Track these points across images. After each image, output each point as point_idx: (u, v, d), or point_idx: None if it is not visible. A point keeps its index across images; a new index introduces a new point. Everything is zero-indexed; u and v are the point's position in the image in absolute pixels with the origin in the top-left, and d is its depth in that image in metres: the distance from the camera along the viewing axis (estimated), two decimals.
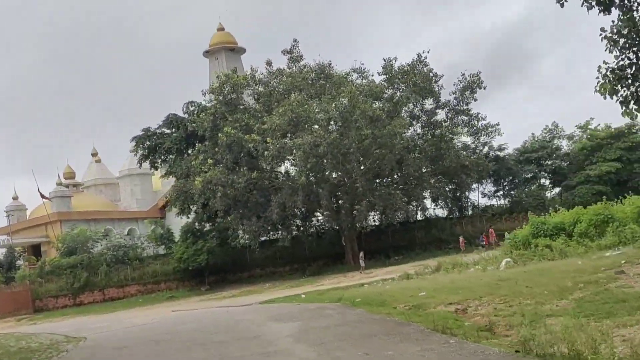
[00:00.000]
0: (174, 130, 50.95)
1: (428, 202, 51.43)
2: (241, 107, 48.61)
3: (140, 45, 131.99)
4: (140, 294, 48.96)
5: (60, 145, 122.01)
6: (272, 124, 43.35)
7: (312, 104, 44.21)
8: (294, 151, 42.18)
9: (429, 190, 48.29)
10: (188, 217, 50.43)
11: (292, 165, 48.03)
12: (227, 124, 45.41)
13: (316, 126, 44.39)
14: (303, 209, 47.33)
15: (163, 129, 51.75)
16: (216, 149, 45.19)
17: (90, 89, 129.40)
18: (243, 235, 47.48)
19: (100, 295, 49.35)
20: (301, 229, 49.88)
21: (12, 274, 51.85)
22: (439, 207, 54.10)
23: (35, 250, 64.51)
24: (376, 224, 49.85)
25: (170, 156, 51.18)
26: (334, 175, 44.84)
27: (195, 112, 50.67)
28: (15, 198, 71.26)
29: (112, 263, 50.24)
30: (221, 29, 77.67)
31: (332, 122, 44.27)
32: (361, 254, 42.03)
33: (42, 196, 60.59)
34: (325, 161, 43.02)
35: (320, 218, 51.12)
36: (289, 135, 43.80)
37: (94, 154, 79.44)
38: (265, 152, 44.42)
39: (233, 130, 44.30)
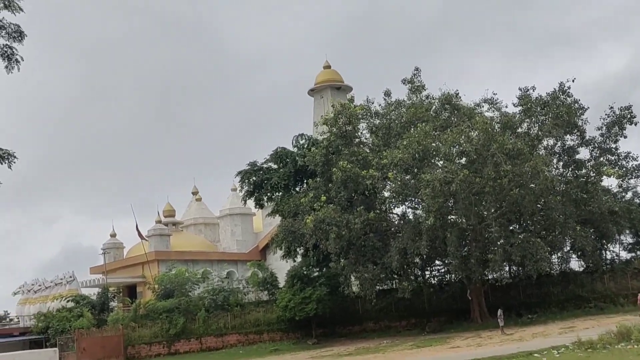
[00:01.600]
0: (281, 165, 46.63)
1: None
2: (357, 140, 43.83)
3: (243, 85, 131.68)
4: (241, 344, 44.23)
5: (162, 183, 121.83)
6: (393, 158, 38.23)
7: (442, 136, 38.86)
8: (420, 189, 36.81)
9: (572, 240, 41.61)
10: (294, 261, 45.72)
11: (412, 206, 42.76)
12: (342, 158, 40.65)
13: (441, 162, 39.01)
14: (424, 257, 41.67)
15: (270, 164, 47.53)
16: (330, 185, 40.41)
17: (193, 127, 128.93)
18: (356, 283, 42.27)
19: (197, 344, 44.93)
20: (420, 279, 44.17)
21: (104, 316, 48.30)
22: (576, 259, 47.12)
23: (131, 291, 61.29)
24: (506, 276, 43.50)
25: (277, 193, 46.79)
26: (462, 218, 38.98)
27: (306, 145, 46.30)
28: (113, 235, 68.68)
29: (211, 308, 45.89)
30: (327, 66, 73.94)
31: (463, 157, 38.75)
32: (500, 311, 35.81)
33: (140, 234, 57.32)
34: (455, 201, 37.44)
35: (441, 268, 45.33)
36: (413, 170, 38.51)
37: (195, 193, 76.62)
38: (385, 190, 39.34)
39: (349, 164, 39.45)
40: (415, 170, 38.17)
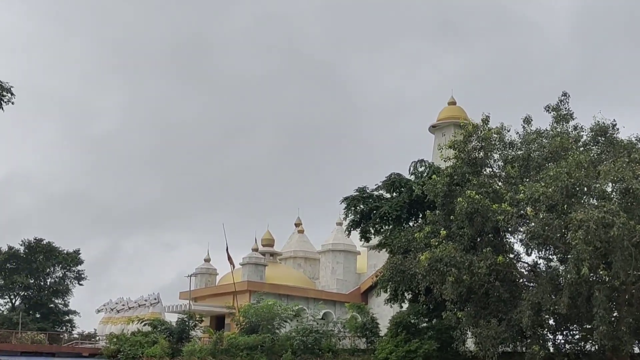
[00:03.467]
0: (395, 193, 40.32)
1: None
2: (488, 170, 36.96)
3: (367, 131, 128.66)
4: None
5: (264, 211, 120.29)
6: (533, 193, 31.11)
7: (598, 168, 31.43)
8: (568, 231, 29.44)
9: None
10: (400, 307, 38.96)
11: (546, 256, 35.30)
12: (469, 188, 33.86)
13: (596, 202, 31.52)
14: (560, 317, 33.99)
15: (381, 192, 41.28)
16: (451, 218, 33.63)
17: (301, 156, 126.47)
18: (473, 341, 35.11)
19: None
20: (552, 344, 36.27)
21: (181, 346, 43.03)
22: None
23: (219, 322, 56.24)
24: None
25: (387, 226, 40.37)
26: (618, 274, 31.06)
27: (426, 173, 39.86)
28: (207, 260, 64.24)
29: (299, 351, 39.67)
30: (452, 102, 67.66)
31: (624, 198, 31.10)
32: None
33: (229, 258, 51.99)
34: (610, 251, 29.75)
35: (576, 334, 37.29)
36: (559, 208, 31.16)
37: (298, 224, 71.41)
38: (520, 231, 32.25)
39: (477, 195, 32.63)
40: (563, 207, 30.78)
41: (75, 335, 65.89)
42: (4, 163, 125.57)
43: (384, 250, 40.73)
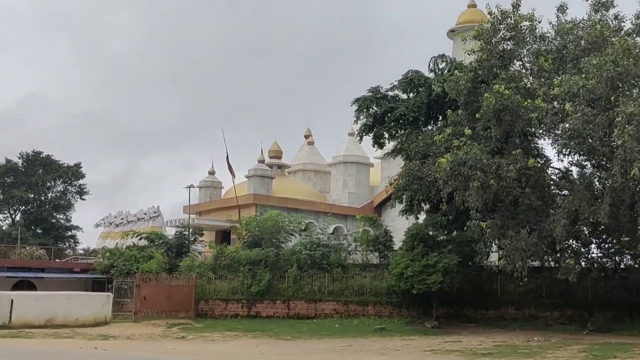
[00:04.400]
0: (412, 93, 36.14)
1: None
2: (518, 63, 32.66)
3: (371, 29, 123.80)
4: (338, 315, 34.59)
5: (271, 122, 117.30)
6: (572, 86, 26.96)
7: None
8: (615, 127, 25.40)
9: None
10: (417, 218, 35.39)
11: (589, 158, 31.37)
12: (497, 83, 29.63)
13: None
14: (596, 228, 30.36)
15: (397, 92, 37.08)
16: (476, 116, 29.55)
17: (316, 73, 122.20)
18: (498, 254, 31.75)
19: (284, 308, 35.74)
20: (587, 257, 32.68)
21: (179, 262, 39.92)
22: None
23: (225, 238, 53.12)
24: None
25: (402, 130, 36.38)
26: None
27: (447, 69, 35.57)
28: (211, 173, 60.69)
29: (306, 266, 36.48)
30: (472, 5, 62.11)
31: None
32: None
33: (230, 167, 48.09)
34: None
35: (612, 247, 33.68)
36: (602, 103, 26.99)
37: (307, 136, 67.40)
38: (556, 129, 28.22)
39: (507, 90, 28.47)
40: (608, 101, 26.61)
41: (81, 252, 63.32)
42: (21, 84, 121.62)
43: (399, 156, 36.81)
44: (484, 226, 29.45)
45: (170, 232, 50.07)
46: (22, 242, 54.07)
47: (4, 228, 68.94)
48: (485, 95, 28.77)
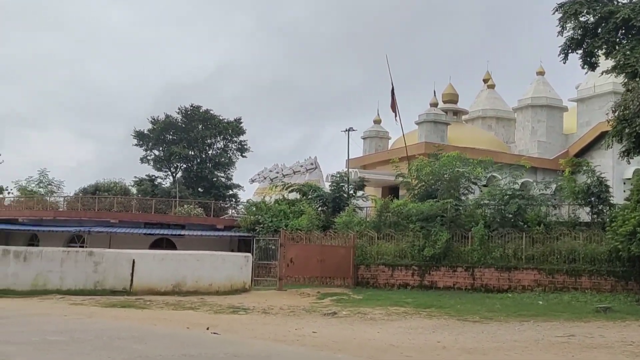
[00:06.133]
0: None
1: None
2: None
3: None
4: (540, 288, 26.13)
5: (447, 62, 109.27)
6: None
7: None
8: None
9: None
10: None
11: None
12: None
13: None
14: None
15: None
16: None
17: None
18: None
19: (467, 277, 27.85)
20: None
21: (335, 218, 33.14)
22: None
23: (392, 194, 45.89)
24: None
25: (625, 43, 27.01)
26: None
27: None
28: (377, 122, 53.65)
29: (495, 223, 28.39)
30: None
31: None
32: None
33: (393, 103, 40.01)
34: None
35: None
36: None
37: (486, 79, 58.55)
38: None
39: None
40: None
41: (243, 212, 58.85)
42: (212, 56, 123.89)
43: (621, 80, 27.58)
44: None
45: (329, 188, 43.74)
46: (180, 202, 49.81)
47: (164, 186, 66.11)
48: None
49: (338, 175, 36.75)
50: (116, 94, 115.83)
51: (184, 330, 15.73)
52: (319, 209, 34.61)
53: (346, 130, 39.80)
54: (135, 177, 66.58)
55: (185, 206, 47.46)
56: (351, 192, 36.70)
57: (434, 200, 29.54)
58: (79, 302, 22.45)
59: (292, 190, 36.91)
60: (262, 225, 33.85)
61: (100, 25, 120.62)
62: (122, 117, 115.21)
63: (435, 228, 28.36)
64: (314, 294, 26.33)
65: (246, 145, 68.97)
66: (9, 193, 58.20)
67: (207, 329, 15.97)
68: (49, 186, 57.29)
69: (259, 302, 23.51)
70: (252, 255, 28.34)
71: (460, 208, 29.90)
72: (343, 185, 36.16)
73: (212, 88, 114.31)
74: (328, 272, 28.87)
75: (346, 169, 42.15)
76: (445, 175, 31.03)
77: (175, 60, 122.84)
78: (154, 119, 67.77)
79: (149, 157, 68.18)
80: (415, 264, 28.79)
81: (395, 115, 38.88)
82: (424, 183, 31.92)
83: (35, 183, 57.56)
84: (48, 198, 47.43)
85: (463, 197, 31.74)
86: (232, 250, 35.88)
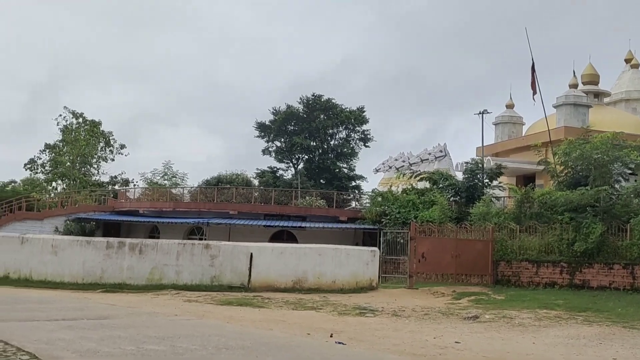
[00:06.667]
0: None
1: None
2: None
3: None
4: None
5: (586, 41, 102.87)
6: None
7: None
8: None
9: None
10: None
11: None
12: None
13: None
14: None
15: None
16: None
17: None
18: None
19: (626, 275, 24.15)
20: None
21: (469, 209, 30.12)
22: None
23: (527, 183, 42.25)
24: None
25: None
26: None
27: None
28: (509, 106, 49.97)
29: None
30: None
31: None
32: None
33: (534, 80, 35.94)
34: None
35: None
36: None
37: (629, 59, 53.49)
38: None
39: None
40: None
41: (367, 204, 56.67)
42: (335, 50, 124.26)
43: None
44: None
45: (459, 177, 40.62)
46: (302, 193, 48.11)
47: (286, 178, 64.90)
48: None
49: (472, 162, 33.48)
50: (243, 91, 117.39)
51: (303, 338, 13.48)
52: (451, 199, 31.70)
53: (479, 113, 36.44)
54: (257, 169, 65.92)
55: (307, 197, 45.65)
56: (486, 180, 33.41)
57: (585, 187, 25.97)
58: (193, 298, 20.88)
59: (421, 179, 34.13)
60: (388, 217, 31.33)
61: (227, 24, 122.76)
62: (249, 113, 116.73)
63: (587, 219, 24.86)
64: (448, 293, 23.62)
65: (369, 134, 66.71)
66: (134, 186, 58.74)
67: (331, 336, 13.67)
68: (173, 178, 57.31)
69: (388, 303, 21.12)
70: (379, 249, 25.87)
71: (614, 197, 26.20)
72: (478, 173, 32.94)
73: (337, 82, 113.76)
74: (463, 269, 26.02)
75: (479, 157, 38.90)
76: (597, 160, 27.35)
77: (300, 56, 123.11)
78: (275, 109, 66.80)
79: (270, 149, 67.33)
80: (564, 260, 25.37)
81: (534, 93, 35.12)
82: (570, 169, 28.35)
83: (160, 175, 57.79)
84: (169, 190, 47.04)
85: (616, 185, 27.95)
86: (357, 244, 33.55)
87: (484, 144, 44.16)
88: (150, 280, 23.08)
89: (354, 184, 65.00)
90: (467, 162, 35.56)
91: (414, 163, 43.74)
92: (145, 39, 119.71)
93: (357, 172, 66.19)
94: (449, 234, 27.49)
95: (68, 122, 66.19)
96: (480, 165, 33.86)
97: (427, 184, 33.79)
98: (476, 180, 32.76)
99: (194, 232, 39.64)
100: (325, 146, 67.05)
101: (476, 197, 32.09)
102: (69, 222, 42.17)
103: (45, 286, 23.98)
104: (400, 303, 21.18)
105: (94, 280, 23.50)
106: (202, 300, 20.41)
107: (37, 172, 65.15)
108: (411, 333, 15.10)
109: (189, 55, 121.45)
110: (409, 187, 34.39)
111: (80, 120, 66.54)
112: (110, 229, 43.15)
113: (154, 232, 41.75)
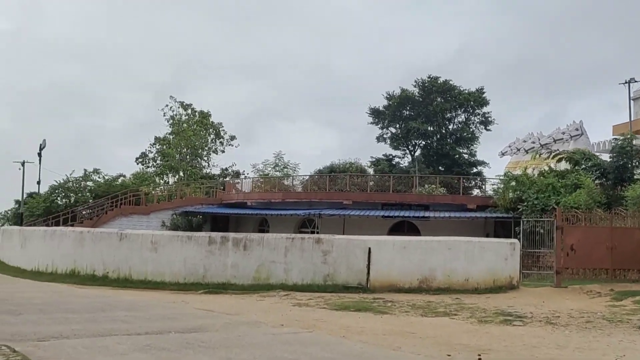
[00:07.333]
0: None
1: None
2: None
3: None
4: None
5: None
6: None
7: None
8: None
9: None
10: None
11: None
12: None
13: None
14: None
15: None
16: None
17: None
18: None
19: None
20: None
21: (620, 192, 25.77)
22: None
23: None
24: None
25: None
26: None
27: None
28: None
29: None
30: None
31: None
32: None
33: None
34: None
35: None
36: None
37: None
38: None
39: None
40: None
41: (491, 192, 52.46)
42: (451, 38, 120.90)
43: None
44: None
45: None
46: (421, 180, 44.66)
47: (402, 165, 61.55)
48: None
49: (622, 139, 28.95)
50: (358, 83, 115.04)
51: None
52: (596, 181, 27.49)
53: (626, 82, 31.84)
54: (372, 157, 62.96)
55: (427, 185, 42.18)
56: (635, 161, 28.80)
57: None
58: (304, 301, 18.07)
59: (560, 159, 29.95)
60: (525, 204, 27.43)
61: (340, 16, 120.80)
62: (364, 106, 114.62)
63: None
64: (605, 293, 19.71)
65: (490, 117, 62.25)
66: (245, 178, 57.07)
67: (479, 358, 10.39)
68: (285, 169, 55.27)
69: (536, 306, 17.53)
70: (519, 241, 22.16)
71: None
72: (629, 150, 28.37)
73: (455, 70, 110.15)
74: (620, 263, 21.94)
75: (619, 135, 34.16)
76: None
77: (416, 45, 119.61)
78: (389, 94, 63.61)
79: (385, 135, 64.26)
80: None
81: None
82: None
83: (272, 166, 55.90)
84: (278, 180, 44.81)
85: None
86: (487, 235, 29.92)
87: (621, 123, 39.28)
88: (256, 280, 20.52)
89: (475, 170, 60.75)
90: (615, 138, 31.03)
91: (546, 144, 39.38)
92: (260, 36, 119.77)
93: (478, 157, 61.98)
94: (600, 222, 23.40)
95: (175, 113, 65.66)
96: (629, 142, 29.26)
97: (567, 166, 29.63)
98: (626, 159, 28.23)
99: (306, 225, 37.05)
100: (444, 131, 63.23)
101: (625, 179, 27.62)
102: (175, 215, 40.69)
103: (145, 286, 21.94)
104: (551, 306, 17.56)
105: (196, 280, 21.22)
106: (313, 303, 17.59)
107: (148, 166, 64.88)
108: (580, 351, 11.57)
109: (304, 49, 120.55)
110: (547, 169, 30.31)
111: (189, 111, 65.78)
112: (219, 223, 41.34)
113: (263, 225, 39.53)
